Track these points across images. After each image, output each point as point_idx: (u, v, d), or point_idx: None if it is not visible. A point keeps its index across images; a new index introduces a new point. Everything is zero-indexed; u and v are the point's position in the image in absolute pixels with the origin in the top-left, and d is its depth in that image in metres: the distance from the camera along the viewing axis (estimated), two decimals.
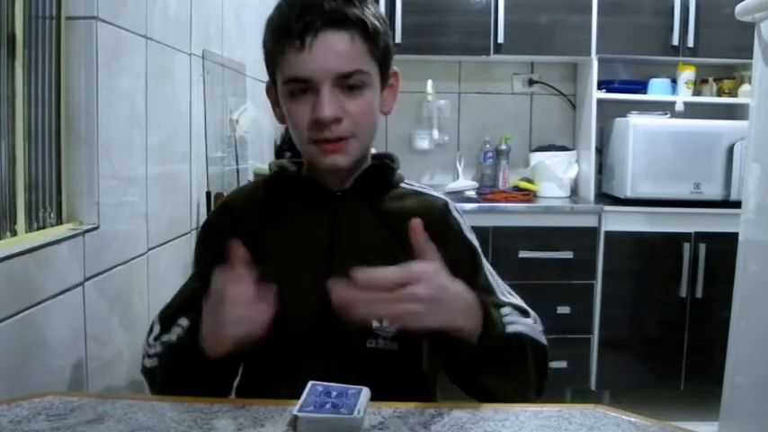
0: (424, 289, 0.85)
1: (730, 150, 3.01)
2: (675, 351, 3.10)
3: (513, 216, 3.09)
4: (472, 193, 3.40)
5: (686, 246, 3.05)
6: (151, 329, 1.10)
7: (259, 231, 1.09)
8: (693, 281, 3.06)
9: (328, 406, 0.84)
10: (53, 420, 0.86)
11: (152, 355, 1.05)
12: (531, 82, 3.64)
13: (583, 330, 3.14)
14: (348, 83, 1.00)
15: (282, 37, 1.00)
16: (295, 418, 0.82)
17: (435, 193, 1.17)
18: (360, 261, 1.06)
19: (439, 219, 1.11)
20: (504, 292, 1.11)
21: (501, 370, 0.96)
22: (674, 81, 3.34)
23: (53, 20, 1.33)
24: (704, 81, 3.40)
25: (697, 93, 3.37)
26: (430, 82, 3.34)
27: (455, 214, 1.14)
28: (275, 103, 1.11)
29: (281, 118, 1.10)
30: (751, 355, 2.15)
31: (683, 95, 3.31)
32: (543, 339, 1.05)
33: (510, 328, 0.99)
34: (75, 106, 1.36)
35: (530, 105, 3.68)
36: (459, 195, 3.36)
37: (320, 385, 0.88)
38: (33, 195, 1.26)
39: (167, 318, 1.09)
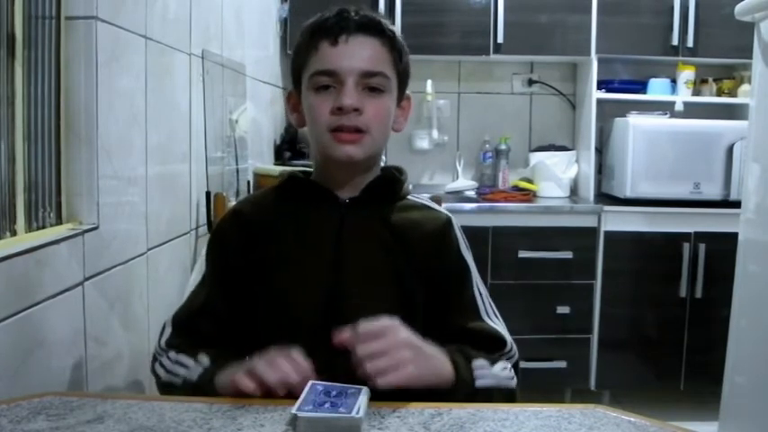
0: (403, 333, 0.95)
1: (730, 150, 3.01)
2: (675, 351, 3.10)
3: (512, 216, 3.07)
4: (472, 193, 3.40)
5: (686, 246, 3.05)
6: (162, 331, 1.15)
7: (267, 237, 1.14)
8: (693, 281, 3.06)
9: (327, 405, 0.84)
10: (53, 420, 0.86)
11: (169, 371, 1.08)
12: (531, 82, 3.64)
13: (582, 330, 3.13)
14: (370, 83, 1.08)
15: (317, 34, 1.09)
16: (294, 417, 0.82)
17: (441, 209, 1.21)
18: (365, 267, 1.09)
19: (439, 233, 1.16)
20: (490, 314, 1.15)
21: None
22: (673, 81, 3.34)
23: (53, 20, 1.33)
24: (704, 81, 3.40)
25: (697, 93, 3.36)
26: (429, 82, 3.34)
27: (456, 232, 1.19)
28: (294, 109, 1.18)
29: (299, 122, 1.17)
30: (751, 354, 2.15)
31: (683, 95, 3.30)
32: (512, 383, 1.09)
33: (479, 383, 1.03)
34: (75, 106, 1.36)
35: (529, 105, 3.67)
36: (458, 195, 3.36)
37: (320, 384, 0.89)
38: (33, 195, 1.26)
39: (181, 325, 1.14)
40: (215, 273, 1.17)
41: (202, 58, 1.97)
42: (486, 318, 1.13)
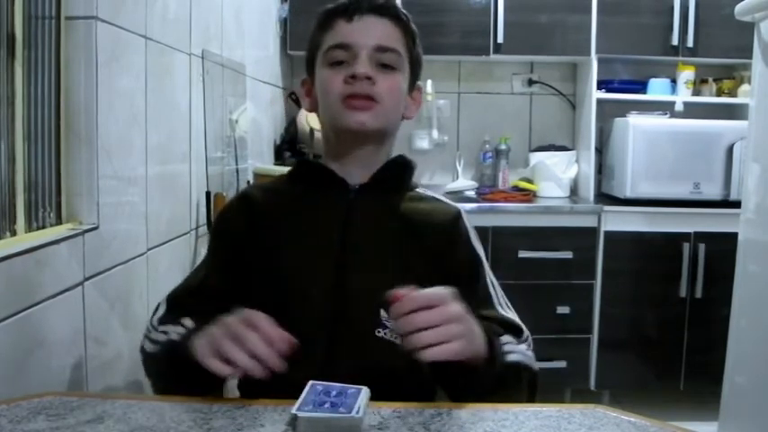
0: (456, 306, 0.90)
1: (730, 150, 3.02)
2: (675, 351, 3.10)
3: (512, 216, 3.08)
4: (472, 193, 3.40)
5: (686, 246, 3.05)
6: (156, 309, 1.13)
7: (276, 220, 1.14)
8: (693, 281, 3.06)
9: (327, 405, 0.84)
10: (53, 420, 0.86)
11: (153, 340, 1.07)
12: (531, 82, 3.64)
13: (582, 330, 3.14)
14: (383, 59, 1.10)
15: (333, 15, 1.13)
16: (294, 417, 0.82)
17: (450, 202, 1.22)
18: (371, 255, 1.10)
19: (450, 225, 1.16)
20: (503, 305, 1.14)
21: (496, 396, 0.98)
22: (673, 81, 3.35)
23: (53, 20, 1.33)
24: (704, 81, 3.40)
25: (696, 93, 3.37)
26: (429, 82, 3.34)
27: (465, 223, 1.18)
28: (307, 93, 1.20)
29: (312, 107, 1.19)
30: (750, 354, 2.15)
31: (683, 95, 3.31)
32: (536, 365, 1.08)
33: (509, 357, 1.02)
34: (74, 106, 1.36)
35: (529, 105, 3.68)
36: (458, 195, 3.35)
37: (320, 385, 0.89)
38: (33, 195, 1.26)
39: (174, 302, 1.13)
40: (217, 254, 1.17)
41: (202, 58, 1.97)
42: (499, 308, 1.13)
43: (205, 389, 0.99)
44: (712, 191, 3.06)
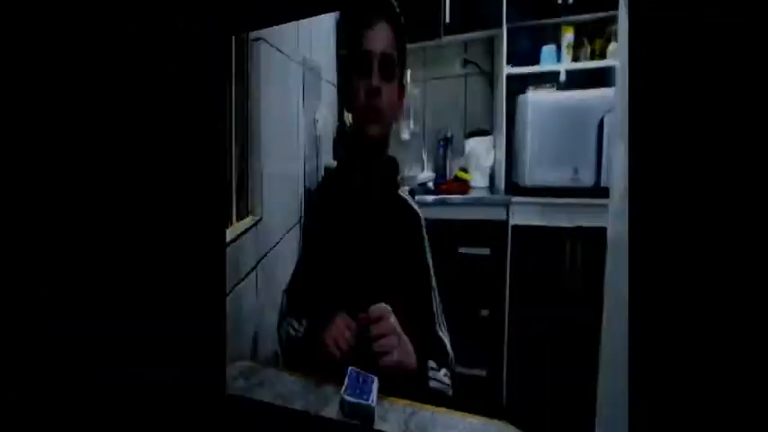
0: (392, 319, 1.12)
1: (602, 125, 2.52)
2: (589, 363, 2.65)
3: (450, 209, 2.76)
4: (431, 185, 3.10)
5: (568, 243, 2.51)
6: (282, 300, 1.38)
7: (322, 215, 1.35)
8: (584, 281, 2.50)
9: (359, 391, 1.00)
10: (246, 382, 1.12)
11: (287, 331, 1.29)
12: (466, 62, 3.20)
13: (497, 336, 2.65)
14: (385, 66, 1.23)
15: (359, 22, 1.25)
16: (342, 400, 1.00)
17: (414, 206, 1.34)
18: (365, 249, 1.29)
19: (413, 231, 1.30)
20: (440, 324, 1.26)
21: None
22: (559, 47, 2.86)
23: (243, 43, 1.54)
24: (581, 43, 2.83)
25: (575, 58, 2.82)
26: (408, 72, 3.39)
27: (423, 231, 1.31)
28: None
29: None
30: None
31: (566, 63, 2.79)
32: (449, 390, 1.21)
33: (430, 384, 1.17)
34: (250, 115, 1.57)
35: (464, 88, 3.21)
36: (425, 187, 3.08)
37: (354, 371, 1.06)
38: (238, 192, 1.50)
39: (291, 295, 1.36)
40: (305, 247, 1.37)
41: (303, 64, 2.13)
42: (437, 327, 1.25)
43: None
44: (587, 177, 2.51)
